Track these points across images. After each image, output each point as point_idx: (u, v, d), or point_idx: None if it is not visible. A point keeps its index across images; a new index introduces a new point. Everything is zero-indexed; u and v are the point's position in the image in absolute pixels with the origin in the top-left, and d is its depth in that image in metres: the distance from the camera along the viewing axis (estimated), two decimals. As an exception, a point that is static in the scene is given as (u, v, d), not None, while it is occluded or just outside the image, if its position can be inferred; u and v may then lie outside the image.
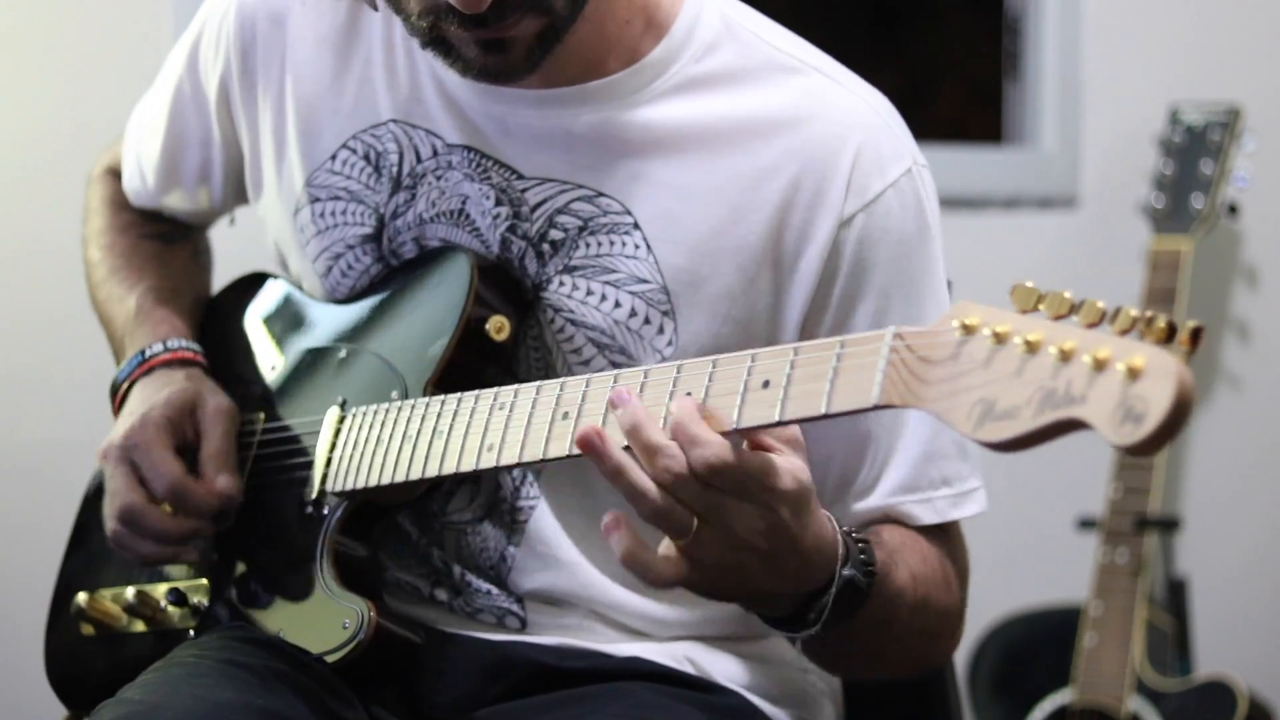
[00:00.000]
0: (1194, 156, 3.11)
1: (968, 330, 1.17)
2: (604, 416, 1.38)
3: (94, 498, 1.83)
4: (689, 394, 1.34)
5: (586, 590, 1.62)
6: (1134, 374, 1.06)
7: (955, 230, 3.20)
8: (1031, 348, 1.12)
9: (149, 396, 1.70)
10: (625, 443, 1.33)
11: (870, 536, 1.52)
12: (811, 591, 1.40)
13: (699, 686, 1.62)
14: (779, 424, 1.29)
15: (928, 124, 3.39)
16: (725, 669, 1.65)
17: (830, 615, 1.40)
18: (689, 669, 1.63)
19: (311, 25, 1.70)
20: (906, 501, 1.58)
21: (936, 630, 1.58)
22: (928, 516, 1.59)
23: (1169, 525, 3.09)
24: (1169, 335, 1.07)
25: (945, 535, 1.61)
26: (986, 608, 3.13)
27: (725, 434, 1.31)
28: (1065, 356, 1.10)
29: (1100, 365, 1.08)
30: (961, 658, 3.06)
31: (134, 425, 1.67)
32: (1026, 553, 3.30)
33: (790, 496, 1.33)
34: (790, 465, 1.33)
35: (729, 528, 1.32)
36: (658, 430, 1.32)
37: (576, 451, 1.37)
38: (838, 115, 1.58)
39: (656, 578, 1.34)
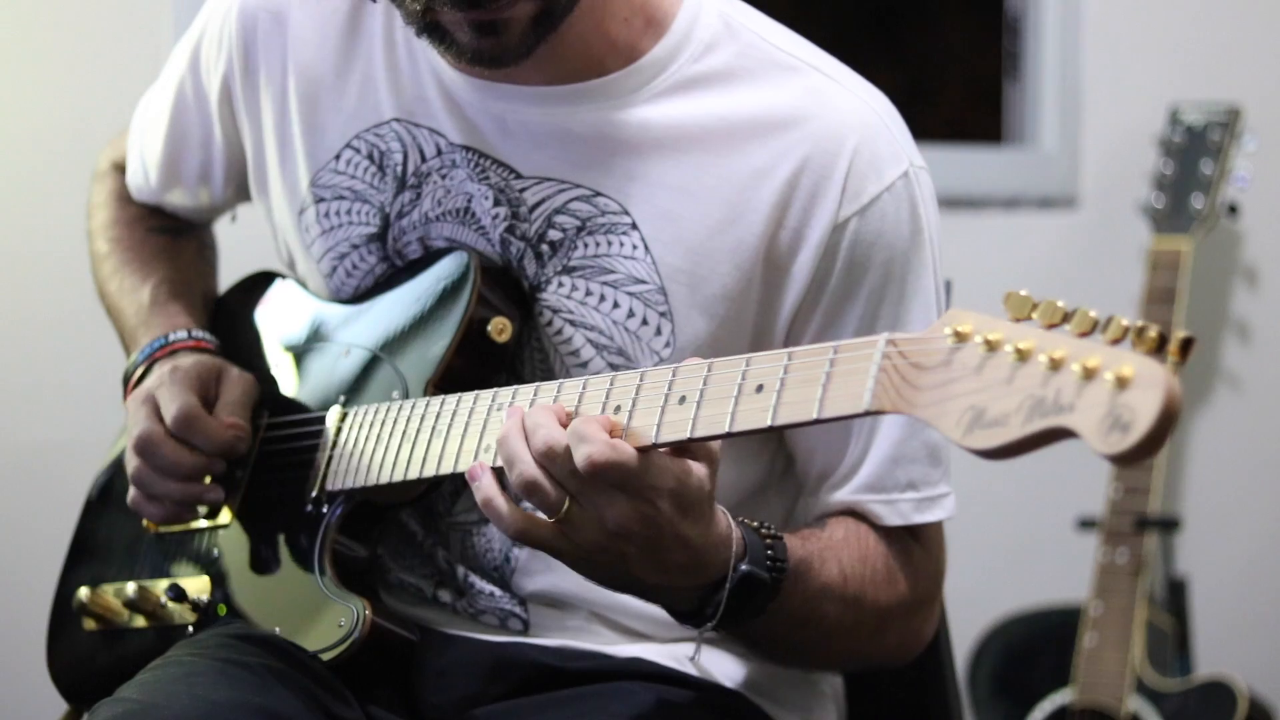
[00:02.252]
0: (1194, 156, 3.11)
1: (960, 337, 1.18)
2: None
3: (97, 500, 1.84)
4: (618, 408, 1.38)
5: (589, 592, 1.61)
6: (1122, 383, 1.06)
7: (955, 230, 3.21)
8: (1022, 356, 1.13)
9: (175, 361, 1.72)
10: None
11: (807, 531, 1.55)
12: (710, 585, 1.42)
13: (700, 687, 1.62)
14: (769, 429, 1.30)
15: (928, 124, 3.39)
16: (727, 670, 1.65)
17: (731, 609, 1.43)
18: (690, 670, 1.63)
19: (313, 23, 1.70)
20: (870, 501, 1.60)
21: (878, 626, 1.59)
22: (891, 518, 1.60)
23: (1169, 525, 3.09)
24: (1159, 345, 1.08)
25: (912, 537, 1.62)
26: (986, 608, 3.14)
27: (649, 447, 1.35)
28: (1055, 365, 1.10)
29: (1089, 374, 1.08)
30: (961, 658, 3.06)
31: (162, 374, 1.69)
32: (1026, 553, 3.30)
33: (668, 492, 1.35)
34: (679, 465, 1.35)
35: (601, 514, 1.34)
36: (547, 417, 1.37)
37: None
38: (836, 115, 1.57)
39: (509, 526, 1.38)
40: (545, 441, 1.35)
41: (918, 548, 1.62)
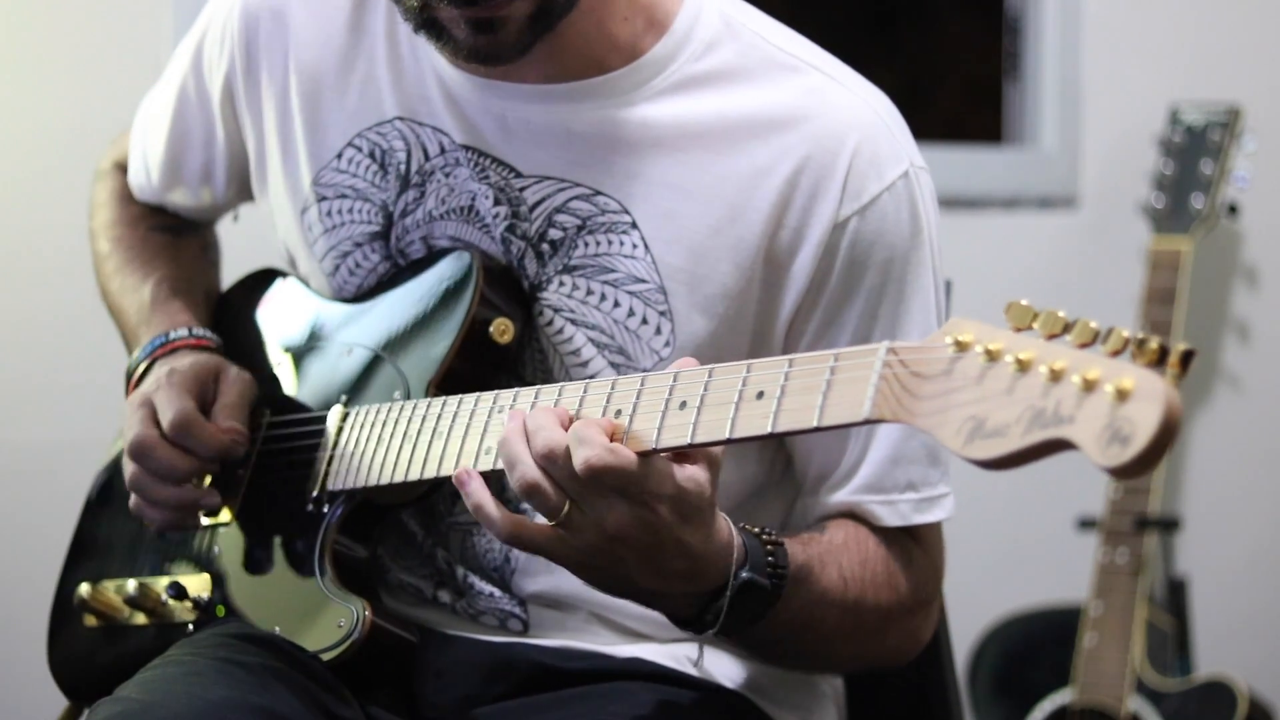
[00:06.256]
0: (1194, 156, 3.11)
1: (961, 347, 1.17)
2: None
3: (98, 498, 1.84)
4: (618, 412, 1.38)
5: (589, 592, 1.60)
6: (1123, 396, 1.06)
7: (955, 230, 3.21)
8: (1023, 366, 1.12)
9: (173, 362, 1.72)
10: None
11: (807, 535, 1.55)
12: (712, 592, 1.42)
13: (700, 687, 1.62)
14: (770, 436, 1.30)
15: (928, 124, 3.38)
16: (726, 670, 1.65)
17: (732, 616, 1.43)
18: (691, 670, 1.63)
19: (315, 22, 1.70)
20: (870, 501, 1.60)
21: (878, 629, 1.59)
22: (890, 518, 1.60)
23: (1169, 525, 3.09)
24: (1160, 358, 1.07)
25: (912, 538, 1.62)
26: (986, 608, 3.14)
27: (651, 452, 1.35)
28: (1055, 376, 1.10)
29: (1090, 386, 1.08)
30: (961, 658, 3.07)
31: (159, 377, 1.69)
32: (1026, 553, 3.31)
33: (668, 498, 1.35)
34: (680, 471, 1.36)
35: (601, 518, 1.34)
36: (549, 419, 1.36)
37: None
38: (837, 115, 1.58)
39: (500, 530, 1.38)
40: (546, 444, 1.35)
41: (917, 549, 1.63)
